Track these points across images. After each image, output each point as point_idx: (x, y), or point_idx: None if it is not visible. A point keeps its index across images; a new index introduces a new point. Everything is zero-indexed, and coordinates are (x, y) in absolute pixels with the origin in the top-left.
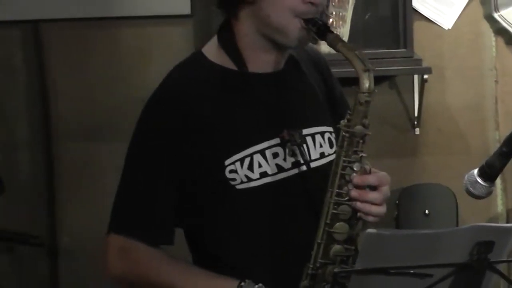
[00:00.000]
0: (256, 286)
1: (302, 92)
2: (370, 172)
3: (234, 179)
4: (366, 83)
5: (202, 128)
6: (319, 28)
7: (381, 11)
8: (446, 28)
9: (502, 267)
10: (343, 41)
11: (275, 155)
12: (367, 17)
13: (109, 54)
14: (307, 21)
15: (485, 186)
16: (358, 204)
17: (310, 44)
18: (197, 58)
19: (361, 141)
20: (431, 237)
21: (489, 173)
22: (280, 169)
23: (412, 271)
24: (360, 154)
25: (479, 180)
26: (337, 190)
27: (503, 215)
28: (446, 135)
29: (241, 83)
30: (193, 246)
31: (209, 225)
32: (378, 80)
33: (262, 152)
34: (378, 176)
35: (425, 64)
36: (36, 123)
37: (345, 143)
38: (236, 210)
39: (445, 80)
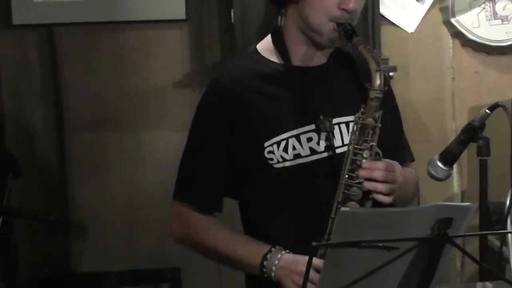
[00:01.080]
0: (283, 251)
1: (342, 85)
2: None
3: (272, 159)
4: (378, 81)
5: (248, 113)
6: (347, 31)
7: None
8: (410, 32)
9: (459, 241)
10: (364, 43)
11: (309, 140)
12: None
13: (115, 54)
14: (339, 25)
15: (445, 169)
16: (366, 183)
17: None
18: (250, 52)
19: (371, 131)
20: (398, 215)
21: (449, 158)
22: (313, 151)
23: (380, 244)
24: (371, 143)
25: (440, 164)
26: (349, 174)
27: (459, 195)
28: (410, 125)
29: (284, 75)
30: (241, 216)
31: (251, 197)
32: None
33: (297, 137)
34: (386, 162)
35: (391, 63)
36: (50, 116)
37: (357, 132)
38: (273, 186)
39: (409, 77)
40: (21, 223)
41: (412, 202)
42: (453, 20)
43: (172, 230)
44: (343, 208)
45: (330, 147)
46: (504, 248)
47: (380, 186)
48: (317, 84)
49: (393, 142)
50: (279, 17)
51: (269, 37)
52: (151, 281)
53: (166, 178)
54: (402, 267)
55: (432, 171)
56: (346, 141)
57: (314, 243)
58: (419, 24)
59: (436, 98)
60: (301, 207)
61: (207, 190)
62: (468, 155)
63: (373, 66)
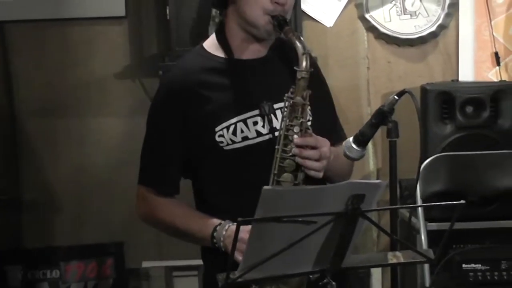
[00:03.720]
0: (231, 223)
1: (281, 74)
2: (311, 135)
3: (222, 142)
4: (304, 62)
5: (198, 104)
6: (280, 22)
7: None
8: (329, 26)
9: (374, 214)
10: (293, 31)
11: (255, 123)
12: None
13: (61, 48)
14: (273, 17)
15: (358, 150)
16: (299, 160)
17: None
18: (198, 49)
19: (301, 109)
20: (316, 192)
21: (362, 140)
22: (258, 134)
23: (300, 219)
24: (300, 120)
25: (353, 145)
26: (283, 148)
27: (374, 173)
28: None
29: (229, 67)
30: (194, 194)
31: (204, 178)
32: None
33: (244, 121)
34: (316, 138)
35: (312, 54)
36: (2, 104)
37: (288, 110)
38: (224, 166)
39: (328, 66)
40: None
41: (349, 177)
42: (367, 16)
43: (138, 211)
44: (265, 187)
45: (272, 129)
46: (414, 220)
47: (310, 163)
48: (258, 74)
49: (328, 125)
50: (222, 17)
51: (213, 35)
52: (96, 254)
53: (109, 160)
54: (320, 239)
55: (347, 152)
56: None
57: (239, 219)
58: (337, 19)
59: (352, 85)
60: (248, 183)
61: (166, 175)
62: (383, 137)
63: (299, 50)
